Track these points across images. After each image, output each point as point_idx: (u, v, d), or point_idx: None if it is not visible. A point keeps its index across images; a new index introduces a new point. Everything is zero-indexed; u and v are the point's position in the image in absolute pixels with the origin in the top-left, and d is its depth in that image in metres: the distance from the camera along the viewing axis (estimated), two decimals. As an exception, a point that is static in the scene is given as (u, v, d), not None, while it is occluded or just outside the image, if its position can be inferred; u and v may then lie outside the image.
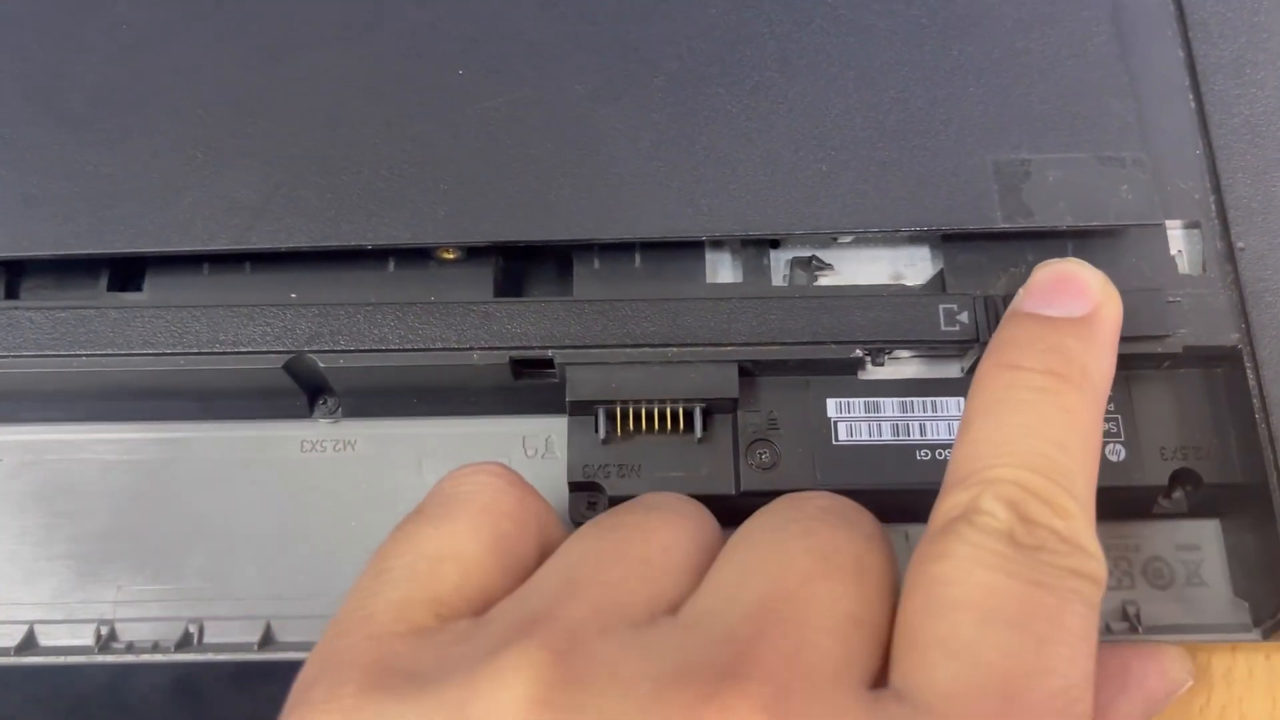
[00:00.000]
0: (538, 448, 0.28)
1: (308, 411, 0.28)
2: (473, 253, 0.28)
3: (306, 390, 0.28)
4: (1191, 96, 0.29)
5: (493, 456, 0.28)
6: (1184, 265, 0.28)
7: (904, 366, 0.28)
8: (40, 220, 0.27)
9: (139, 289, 0.28)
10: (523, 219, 0.27)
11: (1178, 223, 0.28)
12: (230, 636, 0.27)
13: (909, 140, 0.27)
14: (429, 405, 0.28)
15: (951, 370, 0.28)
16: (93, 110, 0.28)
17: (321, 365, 0.26)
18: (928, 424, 0.27)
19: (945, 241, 0.28)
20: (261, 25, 0.29)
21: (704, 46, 0.29)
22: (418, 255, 0.28)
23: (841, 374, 0.27)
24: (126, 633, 0.27)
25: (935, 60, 0.28)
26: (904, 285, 0.28)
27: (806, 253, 0.29)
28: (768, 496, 0.26)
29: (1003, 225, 0.26)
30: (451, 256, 0.28)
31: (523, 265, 0.29)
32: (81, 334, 0.26)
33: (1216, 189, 0.28)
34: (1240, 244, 0.27)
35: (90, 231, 0.26)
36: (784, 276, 0.28)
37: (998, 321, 0.26)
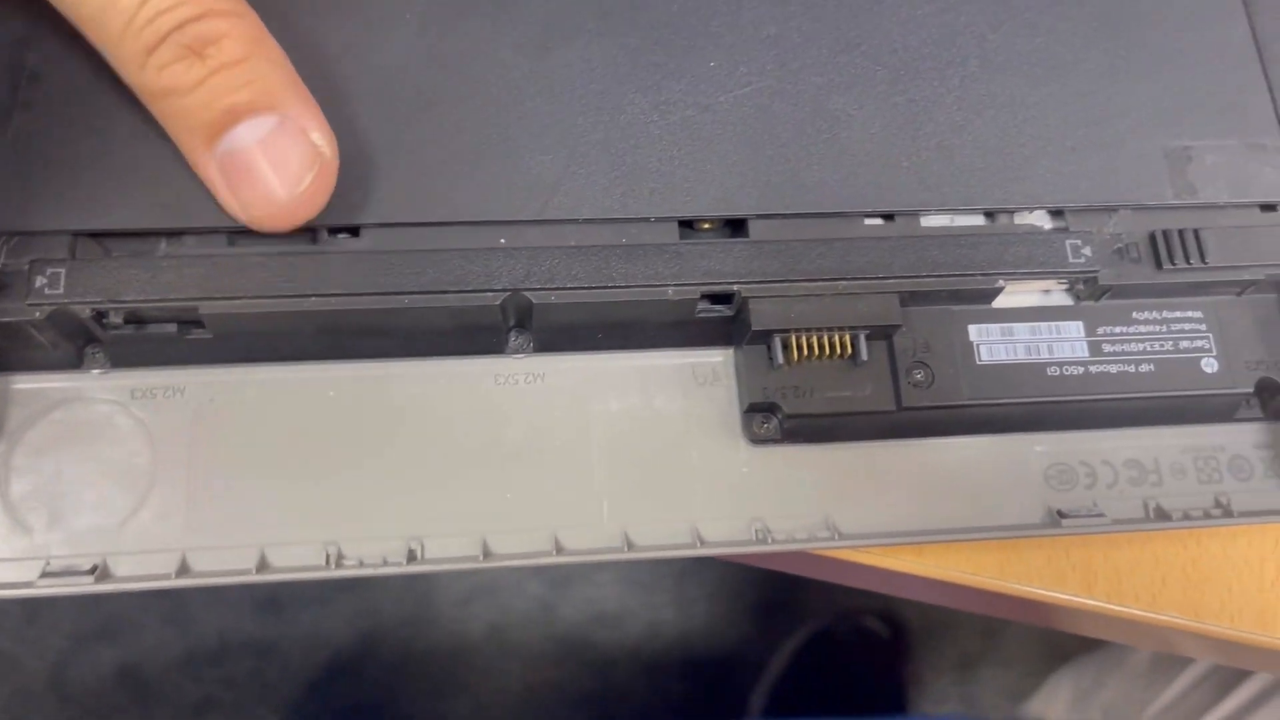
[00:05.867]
0: (706, 376, 0.32)
1: (501, 348, 0.31)
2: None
3: (506, 327, 0.30)
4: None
5: (666, 385, 0.31)
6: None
7: (1026, 296, 0.32)
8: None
9: (356, 235, 0.30)
10: (778, 194, 0.31)
11: (1249, 170, 0.33)
12: (452, 551, 0.29)
13: (1092, 130, 0.32)
14: (610, 339, 0.31)
15: (1065, 299, 0.32)
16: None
17: (535, 301, 0.29)
18: (1055, 344, 0.31)
19: None
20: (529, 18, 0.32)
21: (915, 45, 0.33)
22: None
23: (979, 303, 0.31)
24: (353, 552, 0.29)
25: (1108, 60, 0.33)
26: (1034, 225, 0.32)
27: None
28: (926, 411, 0.30)
29: (1172, 202, 0.31)
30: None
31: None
32: (311, 276, 0.28)
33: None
34: (1306, 187, 0.32)
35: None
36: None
37: (1114, 255, 0.30)
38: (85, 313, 0.28)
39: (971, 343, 0.31)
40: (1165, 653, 0.57)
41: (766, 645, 1.02)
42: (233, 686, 0.97)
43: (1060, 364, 0.31)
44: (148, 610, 0.99)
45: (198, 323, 0.28)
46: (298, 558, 0.29)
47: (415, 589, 1.03)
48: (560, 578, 1.03)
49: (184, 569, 0.28)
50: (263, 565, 0.28)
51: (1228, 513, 0.31)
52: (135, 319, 0.28)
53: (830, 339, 0.30)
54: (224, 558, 0.29)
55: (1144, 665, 0.59)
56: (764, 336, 0.30)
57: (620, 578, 1.05)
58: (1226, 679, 0.52)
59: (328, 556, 0.29)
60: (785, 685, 1.00)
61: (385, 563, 0.29)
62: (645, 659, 1.03)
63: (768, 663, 1.01)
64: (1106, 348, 0.31)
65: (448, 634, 1.02)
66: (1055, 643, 0.97)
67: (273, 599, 1.00)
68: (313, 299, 0.28)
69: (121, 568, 0.28)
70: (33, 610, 0.99)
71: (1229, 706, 0.52)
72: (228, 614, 1.00)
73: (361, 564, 0.29)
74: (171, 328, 0.29)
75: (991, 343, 0.31)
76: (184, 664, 0.98)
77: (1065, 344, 0.31)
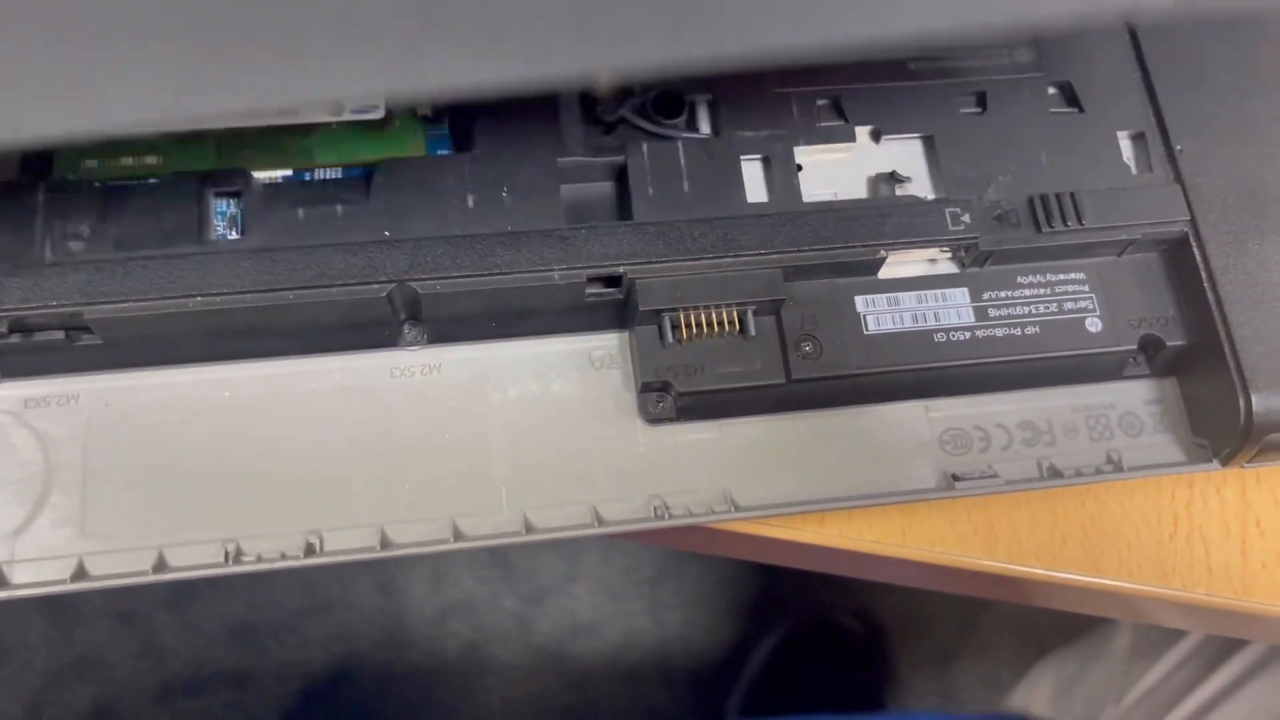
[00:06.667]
0: (602, 360, 0.32)
1: (395, 341, 0.31)
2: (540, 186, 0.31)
3: (398, 320, 0.30)
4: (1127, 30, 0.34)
5: (563, 370, 0.32)
6: (1134, 168, 0.33)
7: (912, 266, 0.32)
8: None
9: (241, 233, 0.30)
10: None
11: (1125, 133, 0.33)
12: (350, 544, 0.29)
13: None
14: (505, 327, 0.31)
15: (951, 267, 0.32)
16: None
17: (421, 292, 0.29)
18: (941, 312, 0.31)
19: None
20: None
21: None
22: (494, 191, 0.31)
23: (865, 275, 0.32)
24: (252, 548, 0.29)
25: None
26: (915, 196, 0.32)
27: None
28: (816, 382, 0.31)
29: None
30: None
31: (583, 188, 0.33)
32: (195, 278, 0.28)
33: (1154, 103, 0.33)
34: (1178, 146, 0.32)
35: None
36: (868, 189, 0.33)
37: (994, 221, 0.31)
38: (-32, 324, 0.28)
39: (859, 313, 0.31)
40: (1143, 638, 0.57)
41: (743, 648, 1.02)
42: (209, 718, 0.97)
43: (947, 330, 0.31)
44: (120, 645, 0.99)
45: (85, 328, 0.29)
46: (195, 557, 0.29)
47: (389, 609, 1.03)
48: (535, 590, 1.03)
49: (80, 573, 0.28)
50: (160, 566, 0.29)
51: (1119, 468, 0.31)
52: (21, 328, 0.28)
53: (718, 315, 0.30)
54: (121, 560, 0.29)
55: (1124, 651, 0.60)
56: (653, 316, 0.30)
57: (595, 588, 1.04)
58: (1206, 662, 0.53)
59: (226, 554, 0.29)
60: (762, 686, 1.00)
61: (283, 557, 0.29)
62: (623, 668, 1.03)
63: (744, 664, 1.01)
64: (992, 312, 0.31)
65: (424, 654, 1.02)
66: (1033, 631, 0.97)
67: (246, 628, 0.99)
68: (198, 299, 0.28)
69: (17, 575, 0.28)
70: (4, 650, 0.99)
71: (1209, 689, 0.52)
72: (201, 646, 0.99)
73: (260, 559, 0.29)
74: (59, 334, 0.29)
75: (879, 313, 0.31)
76: (159, 698, 0.98)
77: (951, 310, 0.31)
